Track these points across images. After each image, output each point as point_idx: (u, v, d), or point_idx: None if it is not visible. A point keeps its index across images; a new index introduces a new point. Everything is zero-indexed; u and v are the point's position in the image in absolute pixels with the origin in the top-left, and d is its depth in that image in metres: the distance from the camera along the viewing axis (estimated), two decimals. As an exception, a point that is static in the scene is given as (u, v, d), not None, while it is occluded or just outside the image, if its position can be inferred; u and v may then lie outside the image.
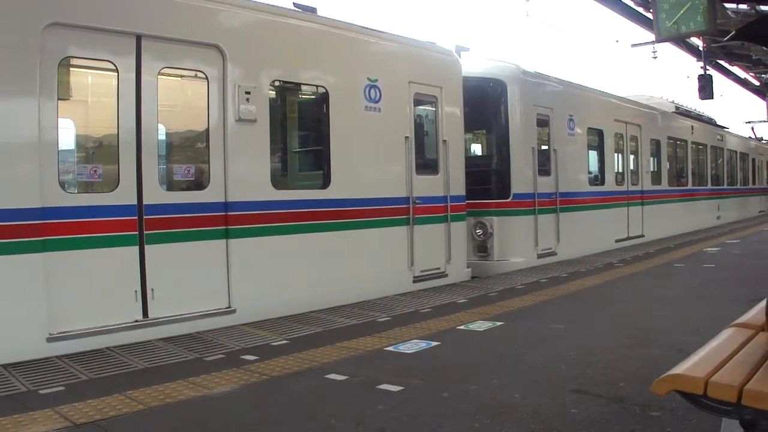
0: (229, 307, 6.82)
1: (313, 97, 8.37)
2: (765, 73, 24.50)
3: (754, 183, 27.45)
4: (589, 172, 13.81)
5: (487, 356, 5.55)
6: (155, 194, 6.31)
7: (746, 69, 23.82)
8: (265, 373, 5.07)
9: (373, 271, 8.48)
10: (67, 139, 6.12)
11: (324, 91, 7.98)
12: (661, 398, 3.09)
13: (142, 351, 5.74)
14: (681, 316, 7.08)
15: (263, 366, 5.27)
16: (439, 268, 9.44)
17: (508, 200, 11.07)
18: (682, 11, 10.62)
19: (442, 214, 9.48)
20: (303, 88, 8.32)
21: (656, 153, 17.15)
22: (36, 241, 5.48)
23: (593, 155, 14.08)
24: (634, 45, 19.70)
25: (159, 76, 6.39)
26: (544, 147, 12.00)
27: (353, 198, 8.19)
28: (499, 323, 6.78)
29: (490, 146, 11.79)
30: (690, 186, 19.50)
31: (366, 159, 8.43)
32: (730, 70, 23.96)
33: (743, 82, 26.14)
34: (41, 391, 4.60)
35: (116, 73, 6.12)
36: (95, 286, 5.88)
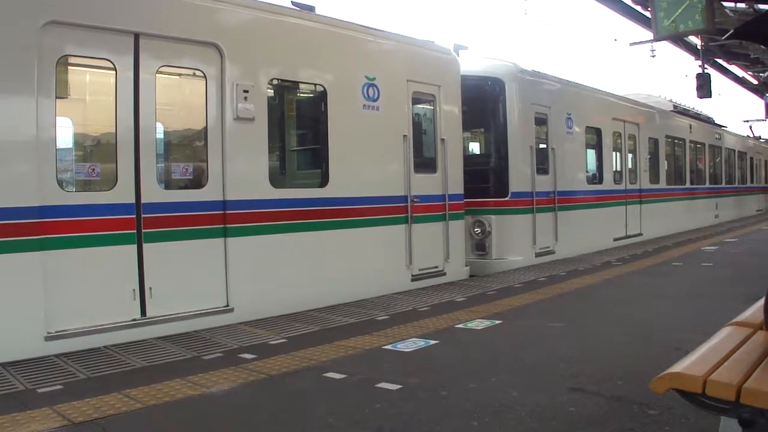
0: (227, 305, 6.82)
1: (312, 95, 8.36)
2: (763, 72, 24.50)
3: (752, 182, 27.48)
4: (588, 171, 13.82)
5: (486, 355, 5.56)
6: (153, 193, 6.30)
7: (744, 68, 23.82)
8: (264, 372, 5.06)
9: (371, 270, 8.48)
10: (65, 138, 6.12)
11: (322, 89, 7.98)
12: (659, 396, 3.09)
13: (140, 350, 5.73)
14: (679, 314, 7.09)
15: (261, 365, 5.27)
16: (437, 267, 9.44)
17: (507, 199, 11.07)
18: (680, 10, 10.64)
19: (441, 213, 9.47)
20: (301, 86, 8.32)
21: (654, 152, 17.16)
22: (34, 240, 5.47)
23: (591, 154, 14.09)
24: (632, 43, 19.64)
25: (157, 75, 6.38)
26: (542, 145, 12.00)
27: (351, 197, 8.19)
28: (497, 322, 6.78)
29: (489, 145, 11.79)
30: (688, 184, 19.52)
31: (364, 158, 8.42)
32: (728, 69, 23.97)
33: (741, 81, 26.14)
34: (39, 390, 4.60)
35: (114, 72, 6.11)
36: (93, 285, 5.87)
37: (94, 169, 6.14)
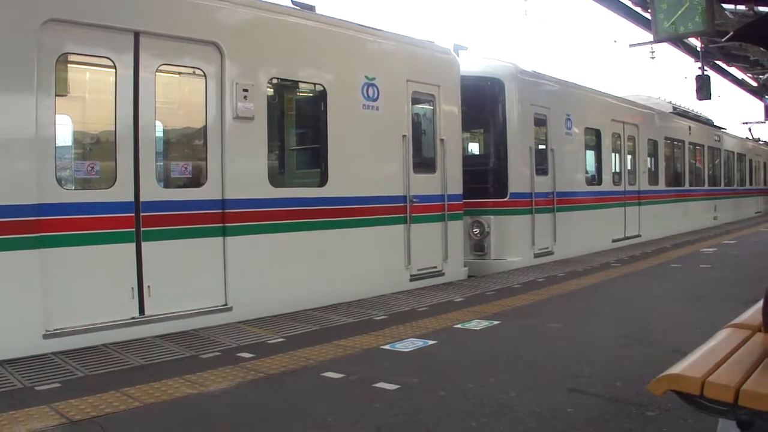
0: (226, 304, 6.81)
1: (311, 94, 8.36)
2: (762, 74, 24.53)
3: (750, 184, 27.51)
4: (587, 172, 13.82)
5: (484, 355, 5.56)
6: (152, 191, 6.30)
7: (744, 70, 23.86)
8: (262, 371, 5.06)
9: (369, 270, 8.48)
10: (64, 136, 6.11)
11: (322, 88, 7.98)
12: (657, 398, 3.09)
13: (138, 348, 5.73)
14: (678, 316, 7.09)
15: (260, 364, 5.27)
16: (436, 267, 9.44)
17: (506, 199, 11.08)
18: (680, 12, 10.65)
19: (440, 213, 9.47)
20: (301, 85, 8.32)
21: (653, 153, 17.17)
22: (32, 238, 5.46)
23: (590, 155, 14.10)
24: (632, 45, 19.59)
25: (157, 73, 6.38)
26: (541, 146, 12.01)
27: (350, 196, 8.19)
28: (495, 322, 6.78)
29: (488, 145, 11.79)
30: (687, 186, 19.54)
31: (363, 157, 8.42)
32: (727, 71, 24.00)
33: (741, 83, 26.17)
34: (37, 388, 4.59)
35: (114, 70, 6.10)
36: (92, 283, 5.87)
37: (93, 167, 6.14)
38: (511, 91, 11.20)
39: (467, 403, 4.24)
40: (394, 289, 8.69)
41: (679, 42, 18.02)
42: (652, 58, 21.67)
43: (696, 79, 17.81)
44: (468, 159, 10.79)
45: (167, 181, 6.67)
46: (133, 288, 6.15)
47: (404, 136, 8.91)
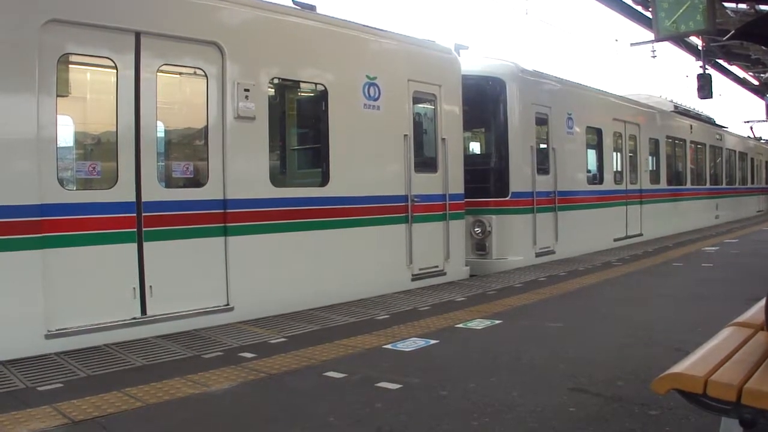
0: (228, 304, 6.82)
1: (312, 94, 8.36)
2: (764, 73, 24.47)
3: (752, 182, 27.47)
4: (588, 171, 13.81)
5: (486, 355, 5.55)
6: (154, 191, 6.30)
7: (745, 68, 23.80)
8: (263, 371, 5.06)
9: (371, 269, 8.48)
10: (65, 136, 6.12)
11: (323, 88, 7.97)
12: (660, 397, 3.09)
13: (140, 348, 5.73)
14: (680, 314, 7.08)
15: (261, 363, 5.27)
16: (437, 267, 9.44)
17: (507, 199, 11.07)
18: (681, 10, 10.62)
19: (441, 213, 9.47)
20: (302, 85, 8.32)
21: (655, 152, 17.15)
22: (34, 238, 5.47)
23: (592, 154, 14.09)
24: (633, 44, 19.62)
25: (158, 74, 6.38)
26: (542, 145, 12.00)
27: (352, 196, 8.19)
28: (497, 322, 6.78)
29: (489, 145, 11.78)
30: (689, 185, 19.52)
31: (365, 157, 8.42)
32: (729, 70, 23.94)
33: (742, 82, 26.11)
34: (39, 388, 4.59)
35: (115, 70, 6.10)
36: (93, 283, 5.87)
37: (94, 168, 6.14)
38: (512, 91, 11.19)
39: (469, 403, 4.24)
40: (396, 289, 8.69)
41: (680, 41, 17.98)
42: (653, 56, 21.66)
43: (697, 77, 17.78)
44: (469, 158, 10.79)
45: (169, 181, 6.67)
46: (134, 288, 6.15)
47: (405, 135, 8.90)
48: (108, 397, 4.40)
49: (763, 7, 14.24)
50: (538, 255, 11.56)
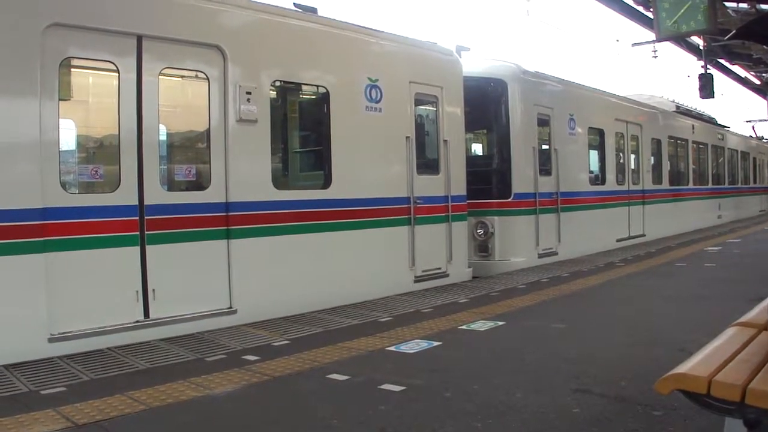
0: (231, 307, 6.82)
1: (314, 97, 8.37)
2: (766, 72, 24.43)
3: (755, 182, 27.43)
4: (590, 172, 13.80)
5: (489, 356, 5.55)
6: (156, 195, 6.31)
7: (747, 68, 23.77)
8: (267, 374, 5.06)
9: (374, 271, 8.48)
10: (68, 140, 6.12)
11: (325, 91, 7.98)
12: (663, 397, 3.08)
13: (143, 351, 5.74)
14: (683, 315, 7.07)
15: (264, 366, 5.27)
16: (440, 268, 9.43)
17: (509, 200, 11.06)
18: (682, 10, 10.62)
19: (443, 214, 9.47)
20: (304, 88, 8.32)
21: (657, 152, 17.14)
22: (37, 242, 5.48)
23: (594, 155, 14.07)
24: (634, 44, 19.63)
25: (160, 77, 6.39)
26: (545, 146, 11.99)
27: (354, 198, 8.19)
28: (500, 323, 6.77)
29: (491, 146, 11.78)
30: (691, 185, 19.49)
31: (367, 159, 8.43)
32: (730, 69, 23.91)
33: (744, 81, 26.08)
34: (43, 392, 4.60)
35: (117, 74, 6.12)
36: (96, 287, 5.88)
37: (97, 171, 6.14)
38: (514, 92, 11.20)
39: (472, 405, 4.24)
40: (399, 291, 8.69)
41: (681, 41, 17.97)
42: (655, 57, 21.66)
43: (699, 77, 17.77)
44: (471, 160, 10.79)
45: (171, 185, 6.68)
46: (137, 291, 6.16)
47: (407, 137, 8.91)
48: (111, 400, 4.40)
49: (764, 6, 14.22)
50: (540, 256, 11.55)
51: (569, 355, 5.41)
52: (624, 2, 16.18)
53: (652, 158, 16.82)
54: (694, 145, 19.97)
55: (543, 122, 11.88)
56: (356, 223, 8.17)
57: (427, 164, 9.41)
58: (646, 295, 8.38)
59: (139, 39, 6.21)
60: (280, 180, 7.73)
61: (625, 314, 7.19)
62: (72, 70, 6.15)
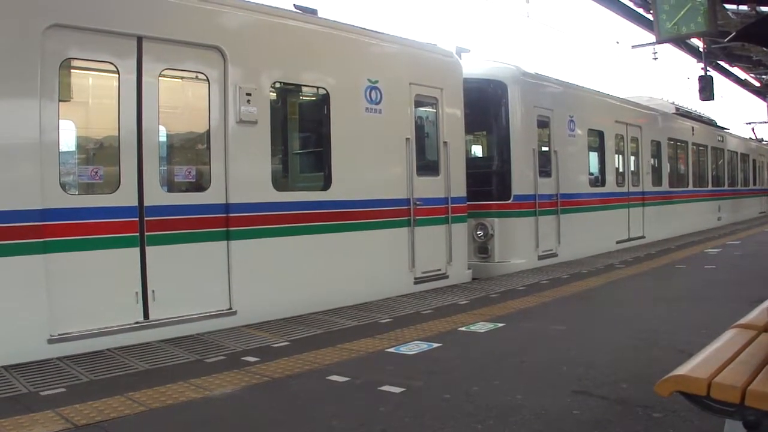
0: (230, 308, 6.82)
1: (314, 98, 8.37)
2: (765, 74, 24.47)
3: (754, 184, 27.44)
4: (590, 174, 13.80)
5: (489, 357, 5.54)
6: (156, 196, 6.31)
7: (746, 70, 23.79)
8: (266, 375, 5.06)
9: (374, 273, 8.47)
10: (68, 141, 6.12)
11: (325, 92, 7.98)
12: (663, 399, 3.08)
13: (143, 352, 5.73)
14: (683, 317, 7.07)
15: (264, 367, 5.27)
16: (440, 270, 9.43)
17: (509, 202, 11.07)
18: (682, 12, 10.62)
19: (443, 216, 9.47)
20: (304, 89, 8.32)
21: (657, 154, 17.14)
22: (37, 243, 5.48)
23: (594, 156, 14.08)
24: (634, 46, 19.70)
25: (160, 78, 6.39)
26: (544, 148, 12.00)
27: (354, 200, 8.19)
28: (500, 324, 6.77)
29: (491, 148, 11.79)
30: (691, 187, 19.49)
31: (367, 160, 8.43)
32: (730, 71, 23.94)
33: (743, 83, 26.11)
34: (42, 393, 4.60)
35: (117, 75, 6.12)
36: (96, 288, 5.87)
37: (96, 172, 6.14)
38: (513, 94, 11.20)
39: (472, 406, 4.24)
40: (399, 292, 8.68)
41: (681, 43, 18.00)
42: (655, 59, 21.71)
43: (699, 79, 17.77)
44: (471, 161, 10.80)
45: (171, 186, 6.68)
46: (137, 292, 6.15)
47: (407, 139, 8.91)
48: (111, 401, 4.39)
49: (764, 9, 14.22)
50: (540, 258, 11.55)
51: (569, 357, 5.41)
52: (624, 4, 16.20)
53: (652, 160, 16.82)
54: (694, 147, 19.97)
55: (543, 124, 11.89)
56: (356, 225, 8.17)
57: (427, 166, 9.41)
58: (646, 297, 8.38)
59: (140, 40, 6.21)
60: (280, 181, 7.73)
61: (625, 316, 7.19)
62: (72, 71, 6.14)
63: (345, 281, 8.03)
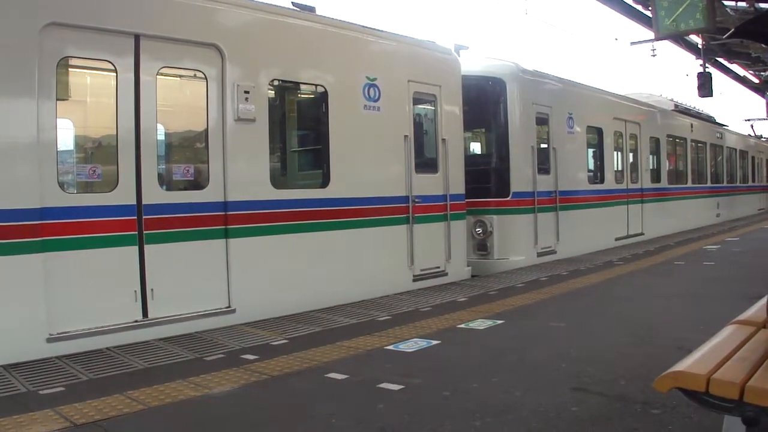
0: (229, 306, 6.81)
1: (313, 96, 8.36)
2: (764, 71, 24.45)
3: (753, 181, 27.46)
4: (589, 171, 13.80)
5: (488, 355, 5.55)
6: (154, 194, 6.30)
7: (745, 66, 23.77)
8: (266, 373, 5.06)
9: (372, 270, 8.47)
10: (65, 139, 6.11)
11: (323, 90, 7.97)
12: (662, 396, 3.08)
13: (141, 351, 5.73)
14: (681, 313, 7.08)
15: (263, 365, 5.27)
16: (439, 267, 9.43)
17: (508, 199, 11.06)
18: (681, 9, 10.63)
19: (442, 213, 9.47)
20: (302, 87, 8.31)
21: (656, 151, 17.15)
22: (35, 242, 5.47)
23: (593, 153, 14.08)
24: (633, 43, 19.59)
25: (158, 76, 6.38)
26: (543, 145, 11.99)
27: (353, 197, 8.18)
28: (499, 322, 6.77)
29: (490, 145, 11.78)
30: (689, 184, 19.50)
31: (365, 158, 8.42)
32: (729, 68, 23.92)
33: (742, 80, 26.08)
34: (41, 392, 4.59)
35: (115, 73, 6.11)
36: (95, 287, 5.87)
37: (95, 171, 6.14)
38: (512, 91, 11.19)
39: (471, 403, 4.24)
40: (398, 290, 8.69)
41: (680, 39, 17.96)
42: (653, 55, 21.74)
43: (697, 76, 17.78)
44: (470, 158, 10.80)
45: (169, 184, 6.67)
46: (136, 291, 6.15)
47: (406, 136, 8.90)
48: (110, 400, 4.39)
49: (762, 5, 14.23)
50: (539, 255, 11.55)
51: (568, 354, 5.41)
52: (623, 1, 16.18)
53: (651, 157, 16.83)
54: (693, 144, 19.98)
55: (542, 121, 11.88)
56: (355, 222, 8.17)
57: (426, 163, 9.40)
58: (645, 294, 8.38)
59: (137, 38, 6.20)
60: (278, 179, 7.73)
61: (624, 313, 7.19)
62: (69, 69, 6.12)
63: (343, 279, 8.03)
